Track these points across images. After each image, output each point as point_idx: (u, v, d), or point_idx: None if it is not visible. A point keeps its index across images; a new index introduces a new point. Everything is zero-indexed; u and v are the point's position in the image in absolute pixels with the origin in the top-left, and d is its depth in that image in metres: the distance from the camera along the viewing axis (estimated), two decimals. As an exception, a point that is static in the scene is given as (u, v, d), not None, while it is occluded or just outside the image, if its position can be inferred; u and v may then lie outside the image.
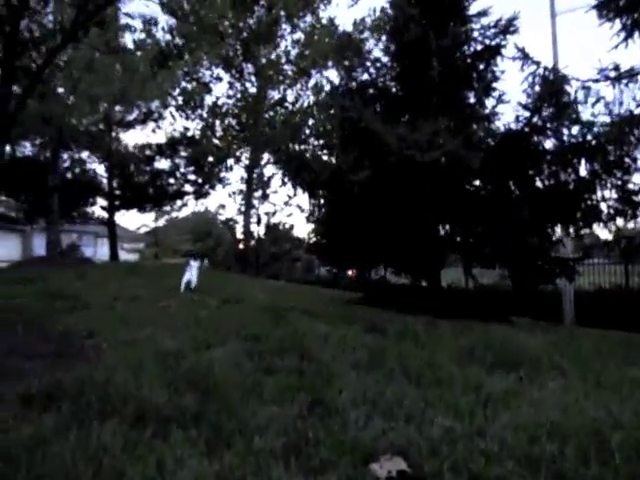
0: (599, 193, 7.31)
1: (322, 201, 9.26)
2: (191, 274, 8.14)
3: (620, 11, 7.08)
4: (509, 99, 8.16)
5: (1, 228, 23.36)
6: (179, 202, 24.44)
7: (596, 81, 7.25)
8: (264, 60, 20.73)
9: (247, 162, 22.84)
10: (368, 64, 9.16)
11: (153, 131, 21.65)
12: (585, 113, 7.37)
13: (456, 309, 7.33)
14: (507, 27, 8.18)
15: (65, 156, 20.09)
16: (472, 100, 8.74)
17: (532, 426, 2.20)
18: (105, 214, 22.37)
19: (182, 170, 23.03)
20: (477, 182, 8.30)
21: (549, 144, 7.72)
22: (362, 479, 1.77)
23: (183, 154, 22.74)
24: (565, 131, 7.55)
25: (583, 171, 7.40)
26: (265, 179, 23.59)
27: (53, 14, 13.25)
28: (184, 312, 5.73)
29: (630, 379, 3.11)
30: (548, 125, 7.49)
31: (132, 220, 46.96)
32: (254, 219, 24.11)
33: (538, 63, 7.54)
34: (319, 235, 9.77)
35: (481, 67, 8.54)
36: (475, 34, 8.55)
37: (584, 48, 20.32)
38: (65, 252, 19.50)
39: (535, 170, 7.71)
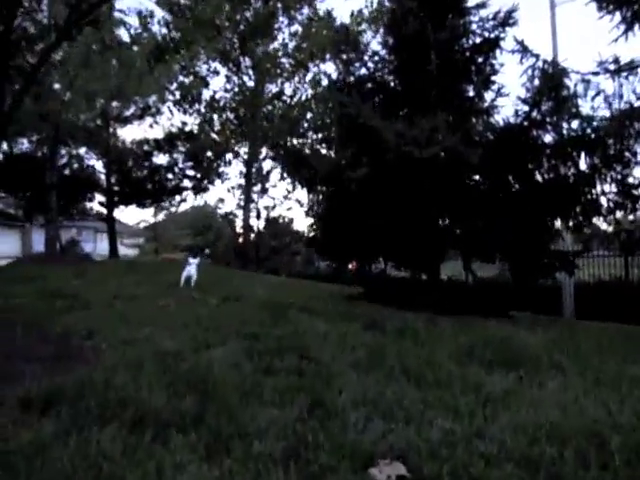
0: (599, 187, 7.28)
1: (321, 196, 9.24)
2: (190, 271, 8.18)
3: (620, 3, 7.00)
4: (508, 92, 8.13)
5: (0, 224, 23.34)
6: (178, 197, 24.40)
7: (596, 74, 7.18)
8: (261, 53, 20.59)
9: (246, 156, 22.77)
10: (366, 58, 9.09)
11: (151, 126, 21.49)
12: (585, 107, 7.33)
13: (456, 304, 7.34)
14: (506, 19, 8.11)
15: (63, 152, 19.98)
16: (471, 93, 8.67)
17: (531, 427, 2.19)
18: (104, 210, 22.32)
19: (180, 165, 22.92)
20: (477, 177, 8.28)
21: (549, 138, 7.67)
22: (362, 484, 1.77)
23: (181, 149, 22.61)
24: (565, 125, 7.52)
25: (583, 165, 7.36)
26: (264, 173, 23.56)
27: (48, 12, 13.12)
28: (183, 311, 5.74)
29: (629, 377, 3.11)
30: (547, 119, 7.43)
31: (131, 215, 46.95)
32: (254, 213, 24.12)
33: (537, 56, 7.47)
34: (318, 230, 9.75)
35: (480, 60, 8.46)
36: (474, 27, 8.47)
37: (584, 38, 20.19)
38: (65, 248, 19.49)
39: (535, 164, 7.68)
